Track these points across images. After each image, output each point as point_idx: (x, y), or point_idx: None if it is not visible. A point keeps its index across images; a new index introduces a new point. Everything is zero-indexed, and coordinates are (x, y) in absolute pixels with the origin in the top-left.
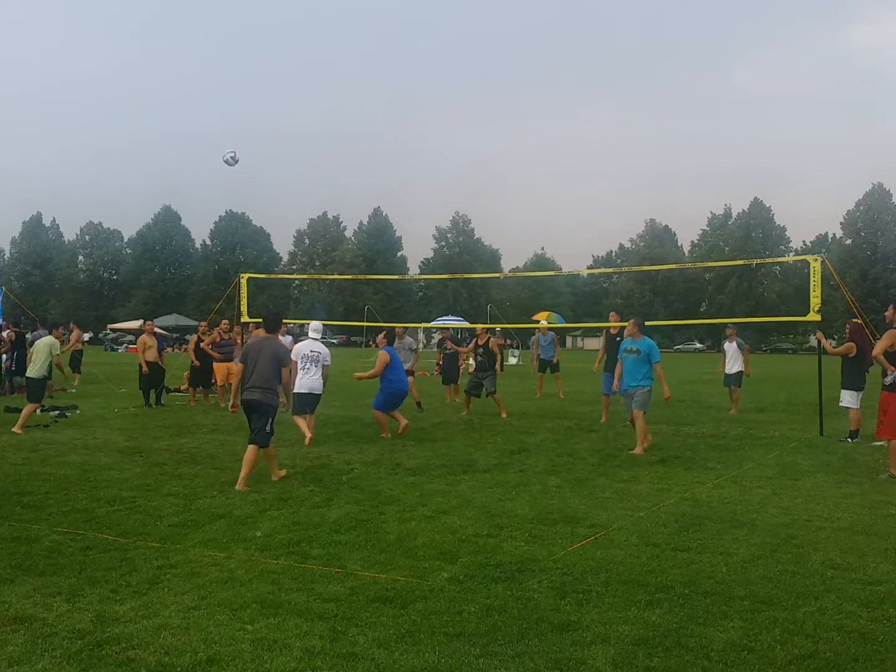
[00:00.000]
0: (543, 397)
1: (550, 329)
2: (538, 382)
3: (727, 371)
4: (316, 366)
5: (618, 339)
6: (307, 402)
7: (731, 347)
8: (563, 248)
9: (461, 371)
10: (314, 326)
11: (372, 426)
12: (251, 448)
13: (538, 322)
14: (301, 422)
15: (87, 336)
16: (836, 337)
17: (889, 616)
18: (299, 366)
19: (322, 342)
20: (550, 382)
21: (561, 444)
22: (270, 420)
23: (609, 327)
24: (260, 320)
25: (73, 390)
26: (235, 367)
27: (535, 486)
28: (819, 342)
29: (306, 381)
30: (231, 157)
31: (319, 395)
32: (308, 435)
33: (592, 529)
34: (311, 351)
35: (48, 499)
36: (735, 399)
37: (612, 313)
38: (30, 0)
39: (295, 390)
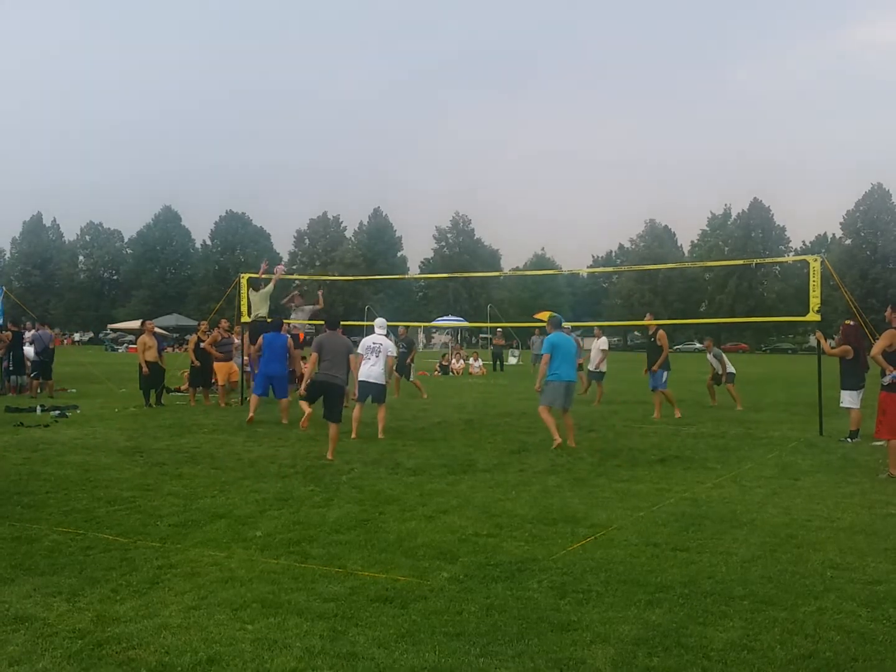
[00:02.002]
0: None
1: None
2: None
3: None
4: (377, 356)
5: (652, 339)
6: (368, 390)
7: (710, 358)
8: (563, 248)
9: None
10: (379, 322)
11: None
12: (333, 426)
13: (541, 321)
14: (357, 411)
15: (86, 336)
16: (836, 337)
17: (889, 616)
18: (364, 357)
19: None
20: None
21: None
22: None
23: (647, 328)
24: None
25: (74, 390)
26: (234, 366)
27: (535, 486)
28: (818, 342)
29: (365, 369)
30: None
31: (381, 384)
32: (354, 427)
33: (592, 529)
34: (374, 343)
35: (48, 498)
36: (735, 396)
37: (648, 314)
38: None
39: (359, 379)
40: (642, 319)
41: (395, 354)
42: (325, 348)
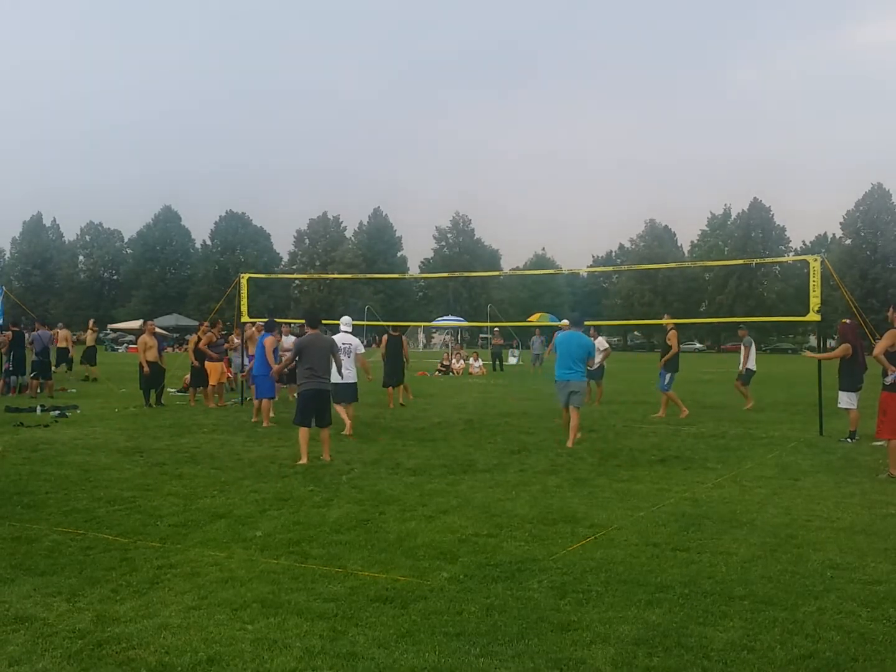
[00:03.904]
0: (543, 397)
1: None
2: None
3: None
4: (348, 356)
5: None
6: (343, 392)
7: (742, 346)
8: (563, 248)
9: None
10: (344, 320)
11: (372, 426)
12: (325, 430)
13: (534, 323)
14: (341, 410)
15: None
16: (836, 337)
17: (889, 616)
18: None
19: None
20: (550, 382)
21: (561, 443)
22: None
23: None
24: (259, 320)
25: (74, 390)
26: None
27: (535, 486)
28: (817, 350)
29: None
30: None
31: (354, 382)
32: (347, 423)
33: (592, 529)
34: (343, 343)
35: (48, 499)
36: (745, 394)
37: (665, 314)
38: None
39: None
40: (643, 319)
41: (363, 352)
42: (307, 351)
